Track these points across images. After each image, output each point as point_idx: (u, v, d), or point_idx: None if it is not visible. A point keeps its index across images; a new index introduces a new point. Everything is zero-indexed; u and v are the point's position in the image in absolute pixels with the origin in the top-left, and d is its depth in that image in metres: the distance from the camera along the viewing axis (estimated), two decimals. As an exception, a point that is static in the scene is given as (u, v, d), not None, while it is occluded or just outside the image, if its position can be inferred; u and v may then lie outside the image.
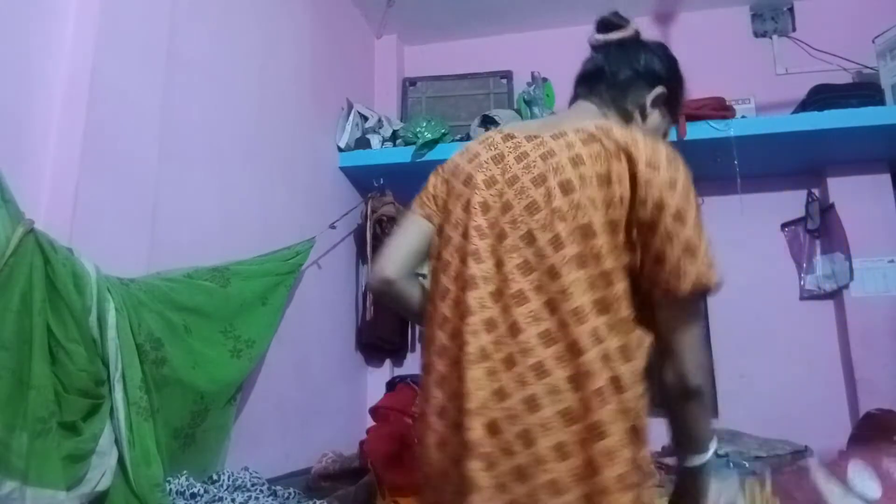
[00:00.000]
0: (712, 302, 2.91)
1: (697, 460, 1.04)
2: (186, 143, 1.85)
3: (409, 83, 3.28)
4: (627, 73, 1.14)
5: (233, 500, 1.59)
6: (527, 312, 0.93)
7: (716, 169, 2.70)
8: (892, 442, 1.87)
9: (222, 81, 2.05)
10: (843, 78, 2.79)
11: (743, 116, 2.60)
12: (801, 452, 2.26)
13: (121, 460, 1.39)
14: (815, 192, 2.86)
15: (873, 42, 2.62)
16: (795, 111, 2.65)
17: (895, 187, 2.75)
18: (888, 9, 2.68)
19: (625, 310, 0.95)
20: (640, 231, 0.96)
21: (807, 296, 2.82)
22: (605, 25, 1.19)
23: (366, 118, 2.94)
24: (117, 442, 1.39)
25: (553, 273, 0.93)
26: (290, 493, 1.73)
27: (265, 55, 2.30)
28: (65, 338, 1.28)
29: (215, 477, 1.69)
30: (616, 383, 0.91)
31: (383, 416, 2.37)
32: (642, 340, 0.97)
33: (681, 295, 0.93)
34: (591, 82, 1.17)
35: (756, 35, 3.07)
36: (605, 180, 0.95)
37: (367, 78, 3.28)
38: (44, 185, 1.42)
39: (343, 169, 2.86)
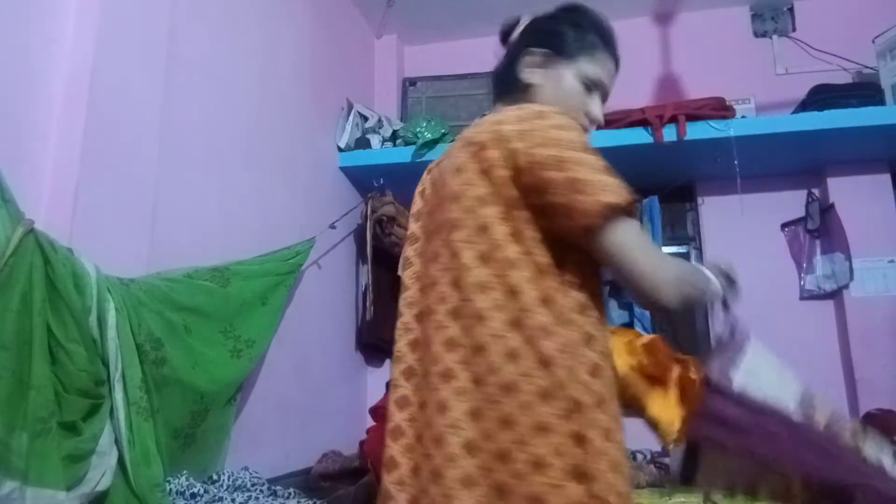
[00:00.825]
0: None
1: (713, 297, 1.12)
2: (186, 143, 1.85)
3: (409, 83, 3.28)
4: (508, 59, 1.15)
5: (233, 500, 1.59)
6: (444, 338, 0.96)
7: (716, 169, 2.70)
8: (892, 442, 1.87)
9: (222, 81, 2.05)
10: (843, 78, 2.79)
11: (743, 116, 2.60)
12: (801, 452, 2.25)
13: (121, 460, 1.39)
14: (815, 192, 2.86)
15: (873, 42, 2.62)
16: (795, 111, 2.65)
17: (895, 187, 2.75)
18: (888, 9, 2.68)
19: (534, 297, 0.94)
20: (535, 204, 0.94)
21: (807, 296, 2.82)
22: (502, 35, 1.20)
23: (366, 118, 2.94)
24: (117, 442, 1.39)
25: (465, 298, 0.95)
26: (290, 493, 1.73)
27: (265, 55, 2.30)
28: (65, 338, 1.28)
29: (215, 477, 1.69)
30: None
31: (383, 416, 2.36)
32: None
33: (590, 230, 0.91)
34: (494, 87, 1.20)
35: (756, 35, 3.07)
36: (483, 173, 0.96)
37: (367, 78, 3.28)
38: (44, 185, 1.42)
39: (343, 169, 2.86)
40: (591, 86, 1.10)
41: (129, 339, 1.45)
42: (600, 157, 0.94)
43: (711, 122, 2.52)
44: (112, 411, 1.39)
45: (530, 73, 1.10)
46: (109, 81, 1.53)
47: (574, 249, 0.95)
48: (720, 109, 2.56)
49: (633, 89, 2.97)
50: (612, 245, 0.91)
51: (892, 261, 2.67)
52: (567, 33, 1.11)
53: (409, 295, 1.06)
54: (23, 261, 1.23)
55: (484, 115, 1.11)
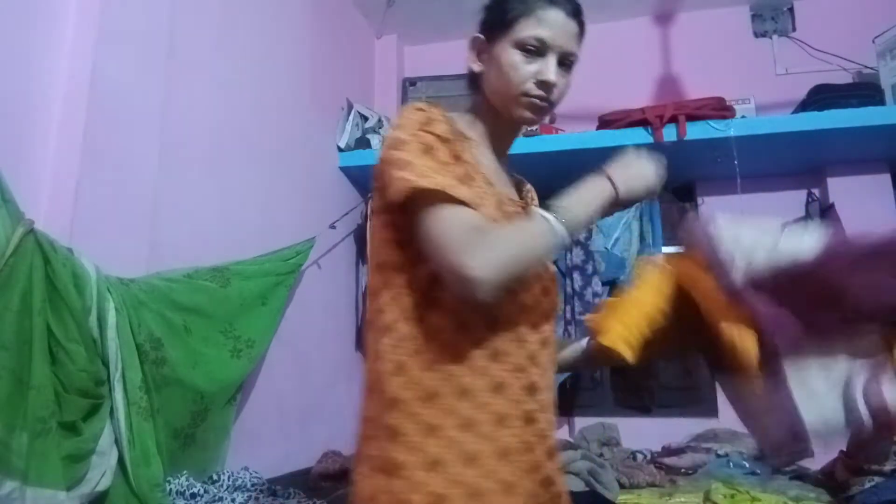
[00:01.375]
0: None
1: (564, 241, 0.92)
2: (186, 143, 1.85)
3: (409, 83, 3.28)
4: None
5: (233, 500, 1.59)
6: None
7: (716, 169, 2.70)
8: (892, 442, 1.87)
9: (222, 81, 2.05)
10: (843, 78, 2.79)
11: (743, 116, 2.60)
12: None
13: (121, 460, 1.39)
14: (815, 192, 2.86)
15: (873, 42, 2.61)
16: (795, 111, 2.65)
17: (895, 187, 2.75)
18: (888, 9, 2.68)
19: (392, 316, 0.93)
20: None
21: (807, 296, 2.82)
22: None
23: (366, 118, 2.94)
24: (117, 442, 1.39)
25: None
26: (290, 493, 1.73)
27: (265, 55, 2.30)
28: (65, 338, 1.28)
29: (215, 477, 1.69)
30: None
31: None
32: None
33: (399, 204, 0.88)
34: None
35: (756, 35, 3.07)
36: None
37: (367, 78, 3.28)
38: (44, 185, 1.43)
39: (343, 169, 2.86)
40: (535, 48, 0.98)
41: (129, 339, 1.45)
42: (418, 153, 0.89)
43: (711, 122, 2.52)
44: (112, 411, 1.39)
45: (476, 63, 1.05)
46: (109, 81, 1.53)
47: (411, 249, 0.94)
48: (720, 109, 2.56)
49: (633, 89, 2.98)
50: (421, 232, 0.88)
51: (892, 261, 2.67)
52: (497, 5, 1.02)
53: None
54: (23, 261, 1.23)
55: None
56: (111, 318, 1.40)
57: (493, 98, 1.03)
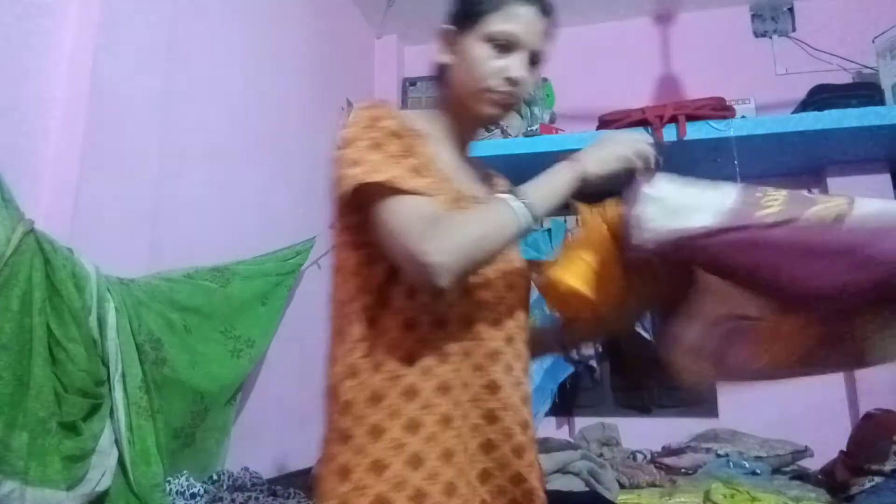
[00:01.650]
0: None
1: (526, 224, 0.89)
2: (186, 143, 1.85)
3: (409, 83, 3.28)
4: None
5: (233, 500, 1.59)
6: None
7: (716, 169, 2.70)
8: (892, 442, 1.87)
9: (222, 81, 2.05)
10: (843, 78, 2.79)
11: (743, 116, 2.60)
12: (801, 452, 2.26)
13: (121, 460, 1.39)
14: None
15: (873, 42, 2.61)
16: (795, 111, 2.64)
17: (895, 187, 2.75)
18: (888, 9, 2.68)
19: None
20: None
21: (807, 296, 2.82)
22: None
23: (366, 118, 2.94)
24: (117, 442, 1.39)
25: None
26: (290, 493, 1.73)
27: (265, 55, 2.30)
28: (65, 338, 1.28)
29: (215, 477, 1.69)
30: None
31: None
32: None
33: (351, 203, 0.88)
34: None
35: (756, 35, 3.07)
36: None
37: (367, 78, 3.28)
38: (44, 185, 1.43)
39: (343, 169, 2.86)
40: (503, 45, 0.97)
41: (129, 339, 1.45)
42: (370, 150, 0.88)
43: (711, 122, 2.52)
44: (112, 411, 1.39)
45: (444, 55, 1.03)
46: (109, 81, 1.53)
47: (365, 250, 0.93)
48: (720, 109, 2.56)
49: (633, 89, 2.98)
50: (376, 226, 0.87)
51: (892, 261, 2.66)
52: (468, 10, 1.00)
53: None
54: (23, 261, 1.23)
55: None
56: (111, 318, 1.40)
57: (458, 91, 1.01)
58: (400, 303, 0.91)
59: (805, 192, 0.98)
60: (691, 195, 0.94)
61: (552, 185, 0.93)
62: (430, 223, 0.83)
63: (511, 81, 0.98)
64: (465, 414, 0.92)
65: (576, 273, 0.97)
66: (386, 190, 0.85)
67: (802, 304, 0.88)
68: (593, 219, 1.04)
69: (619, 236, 0.98)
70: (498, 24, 0.97)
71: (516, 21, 0.98)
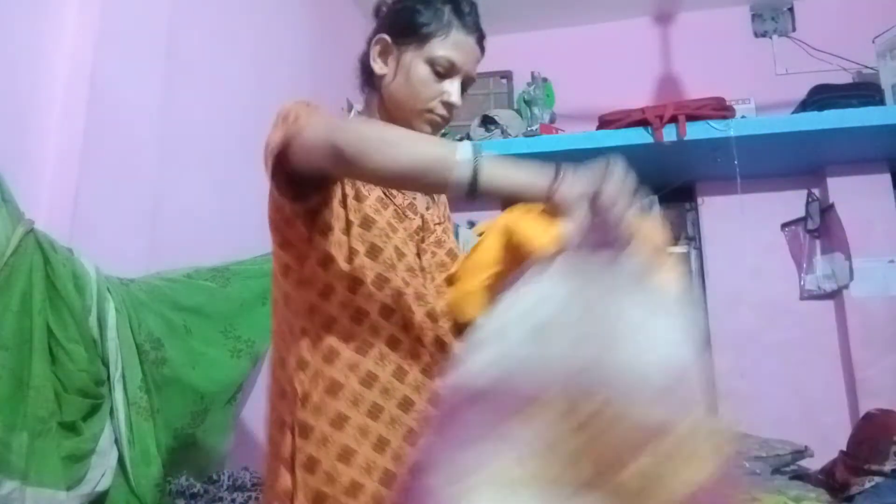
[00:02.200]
0: (713, 303, 2.91)
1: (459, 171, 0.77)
2: (186, 143, 1.85)
3: (409, 83, 3.28)
4: (366, 47, 1.09)
5: (233, 501, 1.59)
6: None
7: (716, 169, 2.70)
8: (892, 442, 1.87)
9: (222, 81, 2.05)
10: (843, 78, 2.79)
11: (743, 116, 2.60)
12: (800, 452, 2.26)
13: (121, 460, 1.39)
14: (815, 192, 2.86)
15: (873, 42, 2.61)
16: (795, 111, 2.64)
17: (895, 187, 2.75)
18: (888, 9, 2.68)
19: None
20: None
21: (807, 296, 2.82)
22: (373, 14, 1.15)
23: (366, 118, 2.93)
24: (117, 442, 1.39)
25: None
26: (290, 493, 1.73)
27: (265, 55, 2.30)
28: (65, 338, 1.28)
29: (215, 477, 1.69)
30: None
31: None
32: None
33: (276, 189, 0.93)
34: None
35: (756, 35, 3.07)
36: None
37: (367, 78, 3.28)
38: (44, 185, 1.42)
39: (343, 169, 2.86)
40: (445, 70, 0.99)
41: (129, 339, 1.45)
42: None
43: (711, 122, 2.51)
44: (112, 411, 1.39)
45: (379, 64, 1.04)
46: (109, 81, 1.53)
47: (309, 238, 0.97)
48: (720, 109, 2.56)
49: (633, 89, 2.97)
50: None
51: (892, 261, 2.67)
52: (416, 12, 1.00)
53: None
54: (23, 261, 1.23)
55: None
56: (111, 318, 1.40)
57: (392, 103, 1.04)
58: (345, 297, 0.94)
59: None
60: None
61: (516, 172, 0.79)
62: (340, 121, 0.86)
63: (448, 106, 1.02)
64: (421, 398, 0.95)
65: (477, 304, 0.88)
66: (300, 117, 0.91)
67: None
68: (489, 234, 0.92)
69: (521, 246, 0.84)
70: (442, 49, 0.99)
71: (459, 49, 1.00)
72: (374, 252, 0.96)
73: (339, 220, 0.96)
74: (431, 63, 1.00)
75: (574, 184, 0.75)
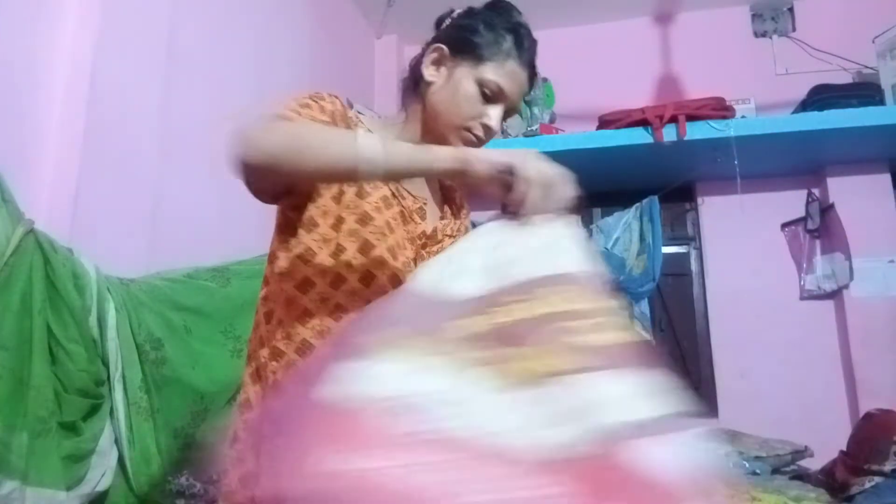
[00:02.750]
0: (712, 302, 2.91)
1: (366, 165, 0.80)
2: (186, 143, 1.85)
3: (409, 83, 3.28)
4: (420, 54, 1.08)
5: (233, 500, 1.59)
6: None
7: (716, 169, 2.70)
8: (892, 442, 1.87)
9: (222, 81, 2.05)
10: (843, 78, 2.79)
11: (743, 116, 2.60)
12: (800, 452, 2.26)
13: (121, 460, 1.39)
14: (815, 192, 2.86)
15: (873, 42, 2.61)
16: (795, 111, 2.65)
17: (895, 187, 2.75)
18: (888, 9, 2.68)
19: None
20: None
21: (807, 296, 2.82)
22: (435, 25, 1.14)
23: (366, 118, 2.94)
24: (117, 442, 1.39)
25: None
26: (290, 493, 1.73)
27: (265, 55, 2.30)
28: (65, 338, 1.28)
29: (215, 477, 1.69)
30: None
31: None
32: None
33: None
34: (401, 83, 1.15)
35: (756, 35, 3.07)
36: None
37: (367, 78, 3.28)
38: (44, 185, 1.43)
39: (343, 169, 2.86)
40: (492, 94, 1.00)
41: (129, 339, 1.45)
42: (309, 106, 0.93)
43: (711, 122, 2.52)
44: (112, 411, 1.39)
45: (430, 71, 1.04)
46: (109, 81, 1.53)
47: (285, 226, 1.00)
48: (720, 109, 2.56)
49: (633, 89, 2.98)
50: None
51: (892, 261, 2.67)
52: (479, 33, 1.01)
53: None
54: (23, 261, 1.23)
55: None
56: (111, 318, 1.40)
57: (433, 113, 1.03)
58: (325, 291, 0.95)
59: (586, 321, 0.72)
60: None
61: (422, 153, 0.84)
62: (263, 122, 0.86)
63: (486, 129, 1.02)
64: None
65: None
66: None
67: None
68: None
69: None
70: (495, 74, 1.00)
71: (510, 78, 1.01)
72: (365, 249, 0.95)
73: (329, 215, 0.96)
74: (481, 84, 1.00)
75: (484, 157, 0.82)
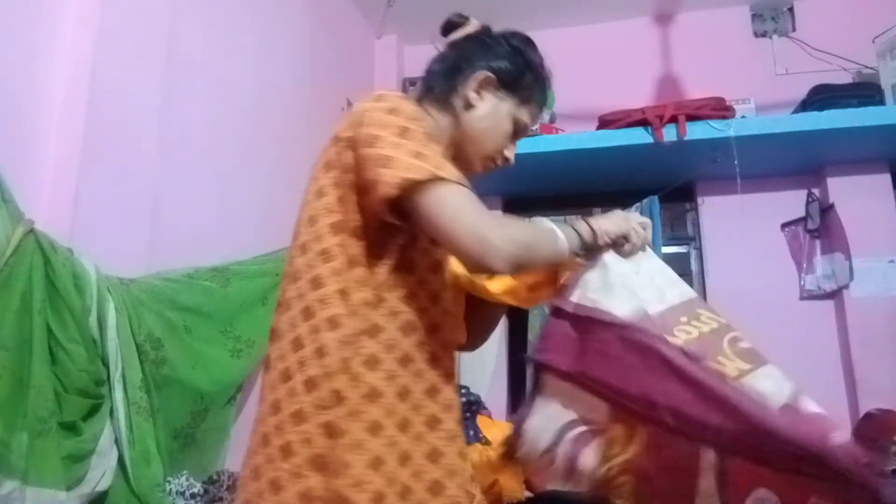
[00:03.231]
0: (712, 302, 2.91)
1: (562, 256, 1.00)
2: (186, 143, 1.85)
3: (410, 83, 3.28)
4: (449, 68, 1.08)
5: (233, 501, 1.59)
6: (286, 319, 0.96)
7: (716, 169, 2.70)
8: (892, 442, 1.87)
9: (222, 81, 2.05)
10: (843, 78, 2.79)
11: (743, 116, 2.60)
12: (801, 452, 2.25)
13: (121, 460, 1.39)
14: (815, 192, 2.86)
15: (873, 42, 2.61)
16: (795, 111, 2.65)
17: (895, 187, 2.75)
18: (888, 9, 2.68)
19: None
20: (359, 185, 0.94)
21: (807, 296, 2.82)
22: (445, 28, 1.15)
23: (366, 118, 2.93)
24: (117, 442, 1.39)
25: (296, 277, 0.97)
26: (290, 493, 1.73)
27: (265, 55, 2.30)
28: (65, 338, 1.28)
29: (215, 477, 1.69)
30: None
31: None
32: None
33: (388, 200, 0.88)
34: (422, 86, 1.13)
35: (756, 35, 3.07)
36: (329, 166, 0.99)
37: (367, 78, 3.28)
38: (44, 185, 1.43)
39: (343, 169, 2.86)
40: (518, 132, 1.08)
41: (129, 339, 1.45)
42: (426, 145, 0.90)
43: (711, 122, 2.52)
44: (112, 411, 1.39)
45: (475, 96, 1.05)
46: (109, 81, 1.53)
47: (390, 241, 0.95)
48: (720, 109, 2.56)
49: (633, 89, 2.97)
50: (424, 209, 0.87)
51: (892, 261, 2.67)
52: (526, 76, 1.08)
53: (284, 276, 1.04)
54: (23, 261, 1.23)
55: None
56: (111, 318, 1.40)
57: (466, 135, 1.06)
58: (397, 304, 0.94)
59: (732, 334, 1.03)
60: (633, 283, 1.05)
61: (585, 235, 1.03)
62: (488, 214, 0.89)
63: (505, 162, 1.10)
64: (450, 418, 0.97)
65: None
66: (432, 181, 0.87)
67: (650, 418, 0.95)
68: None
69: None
70: (526, 115, 1.09)
71: (533, 119, 1.11)
72: (435, 268, 1.01)
73: (404, 233, 0.97)
74: (515, 122, 1.07)
75: (607, 236, 1.06)
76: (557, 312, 1.05)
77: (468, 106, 1.05)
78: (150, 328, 1.52)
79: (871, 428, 2.03)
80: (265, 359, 1.00)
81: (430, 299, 0.99)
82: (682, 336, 0.98)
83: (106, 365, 1.39)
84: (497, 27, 1.18)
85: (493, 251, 0.85)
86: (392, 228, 0.94)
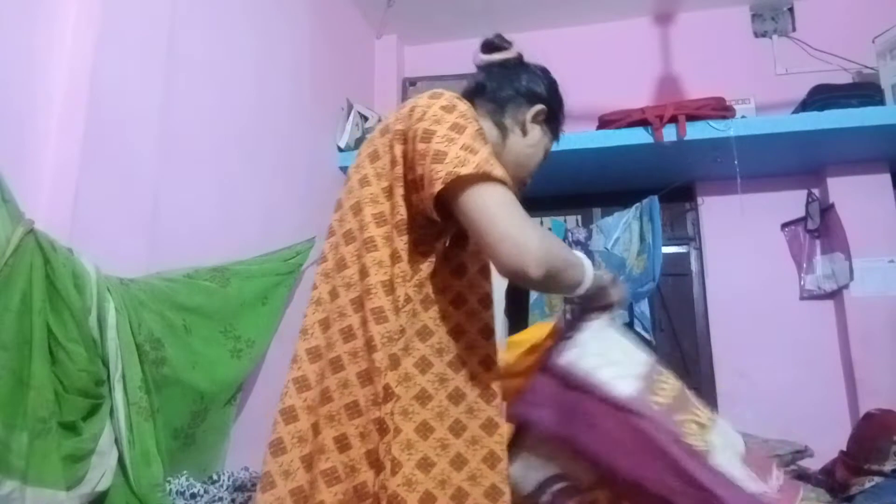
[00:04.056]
0: (712, 302, 2.91)
1: (579, 290, 1.02)
2: (186, 143, 1.85)
3: (409, 83, 3.28)
4: (508, 91, 1.15)
5: (233, 501, 1.59)
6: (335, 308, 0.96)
7: (716, 169, 2.71)
8: (892, 442, 1.87)
9: (222, 81, 2.05)
10: (843, 78, 2.79)
11: (743, 116, 2.60)
12: (801, 452, 2.26)
13: (121, 460, 1.39)
14: (815, 192, 2.86)
15: (873, 42, 2.62)
16: (795, 111, 2.65)
17: (895, 187, 2.75)
18: (888, 9, 2.68)
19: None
20: (411, 179, 0.94)
21: (807, 296, 2.82)
22: (488, 47, 1.21)
23: (366, 118, 2.94)
24: (117, 442, 1.39)
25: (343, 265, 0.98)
26: (290, 493, 1.73)
27: (265, 55, 2.30)
28: (65, 338, 1.28)
29: (215, 477, 1.69)
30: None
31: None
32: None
33: (437, 197, 0.88)
34: (470, 98, 1.14)
35: (756, 35, 3.07)
36: (375, 156, 1.00)
37: (367, 78, 3.28)
38: (44, 185, 1.42)
39: (343, 169, 2.86)
40: (543, 161, 1.20)
41: (129, 339, 1.45)
42: (477, 140, 0.92)
43: (711, 122, 2.52)
44: (112, 411, 1.39)
45: (530, 126, 1.15)
46: (109, 81, 1.53)
47: (435, 240, 0.97)
48: (720, 109, 2.56)
49: (633, 89, 2.98)
50: (469, 207, 0.88)
51: (892, 261, 2.67)
52: (559, 115, 1.21)
53: (325, 266, 1.03)
54: (23, 261, 1.23)
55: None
56: (111, 318, 1.40)
57: (510, 157, 1.12)
58: (447, 308, 0.97)
59: (686, 392, 1.13)
60: (617, 352, 1.09)
61: (610, 287, 1.09)
62: (527, 219, 0.89)
63: (523, 186, 1.18)
64: (505, 423, 0.98)
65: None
66: (479, 176, 0.88)
67: (638, 496, 0.97)
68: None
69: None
70: (550, 148, 1.22)
71: (549, 151, 1.22)
72: (485, 271, 1.04)
73: (448, 233, 1.00)
74: (545, 150, 1.20)
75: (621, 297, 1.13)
76: (547, 370, 1.05)
77: (524, 132, 1.14)
78: (150, 328, 1.52)
79: (870, 428, 2.03)
80: (300, 354, 1.02)
81: (482, 302, 1.01)
82: (660, 399, 1.04)
83: (106, 365, 1.39)
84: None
85: (530, 255, 0.85)
86: (437, 227, 0.95)
